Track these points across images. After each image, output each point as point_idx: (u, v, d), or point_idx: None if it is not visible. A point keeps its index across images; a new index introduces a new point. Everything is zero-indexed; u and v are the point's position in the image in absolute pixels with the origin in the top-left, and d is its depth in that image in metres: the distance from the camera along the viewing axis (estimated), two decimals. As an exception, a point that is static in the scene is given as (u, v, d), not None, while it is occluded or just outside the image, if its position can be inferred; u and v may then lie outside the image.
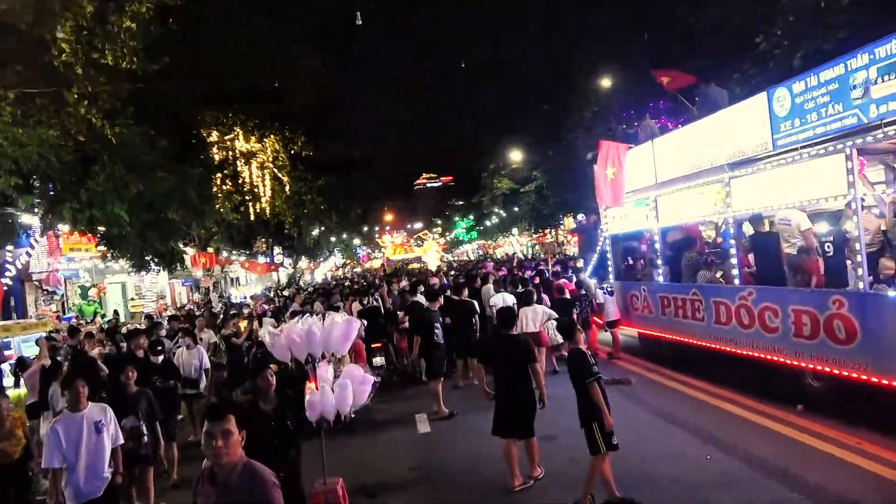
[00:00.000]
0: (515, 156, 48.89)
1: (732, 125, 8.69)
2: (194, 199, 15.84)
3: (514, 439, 6.31)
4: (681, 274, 10.52)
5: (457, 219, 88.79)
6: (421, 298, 13.48)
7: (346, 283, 27.98)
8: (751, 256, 9.61)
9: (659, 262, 11.01)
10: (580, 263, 14.88)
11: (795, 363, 7.71)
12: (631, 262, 13.26)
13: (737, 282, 8.85)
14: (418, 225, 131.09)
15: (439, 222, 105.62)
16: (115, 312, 21.48)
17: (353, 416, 10.09)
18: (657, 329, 11.19)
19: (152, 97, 16.15)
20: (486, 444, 7.70)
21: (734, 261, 8.90)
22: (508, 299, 11.98)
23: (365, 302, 12.47)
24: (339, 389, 6.11)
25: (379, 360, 11.60)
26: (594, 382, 5.51)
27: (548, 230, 57.77)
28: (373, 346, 11.68)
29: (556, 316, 10.73)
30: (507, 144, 50.60)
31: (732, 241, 9.00)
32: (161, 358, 8.71)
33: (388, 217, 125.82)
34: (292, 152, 28.88)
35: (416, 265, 53.78)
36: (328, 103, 35.34)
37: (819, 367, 7.32)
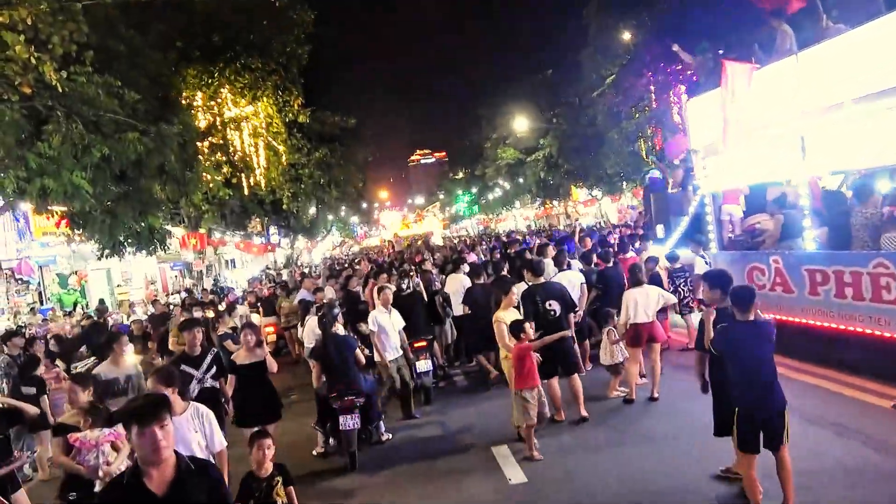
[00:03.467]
0: (520, 124, 45.59)
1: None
2: (174, 165, 12.81)
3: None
4: (844, 239, 7.67)
5: (459, 192, 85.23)
6: (465, 278, 10.80)
7: (353, 262, 24.97)
8: None
9: (808, 222, 8.13)
10: (660, 231, 11.96)
11: None
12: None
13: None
14: (419, 200, 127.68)
15: (441, 195, 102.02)
16: (101, 301, 18.62)
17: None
18: (800, 314, 8.27)
19: (119, 42, 13.07)
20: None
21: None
22: (574, 278, 9.20)
23: (404, 286, 9.53)
24: None
25: (425, 364, 8.74)
26: None
27: (555, 201, 54.91)
28: (415, 345, 8.80)
29: (674, 300, 7.96)
30: (510, 112, 47.30)
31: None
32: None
33: (384, 194, 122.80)
34: (287, 119, 25.71)
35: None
36: (321, 65, 32.01)
37: None
